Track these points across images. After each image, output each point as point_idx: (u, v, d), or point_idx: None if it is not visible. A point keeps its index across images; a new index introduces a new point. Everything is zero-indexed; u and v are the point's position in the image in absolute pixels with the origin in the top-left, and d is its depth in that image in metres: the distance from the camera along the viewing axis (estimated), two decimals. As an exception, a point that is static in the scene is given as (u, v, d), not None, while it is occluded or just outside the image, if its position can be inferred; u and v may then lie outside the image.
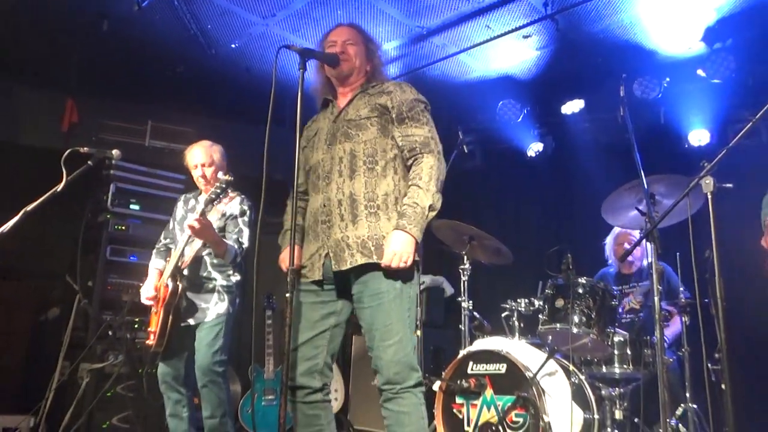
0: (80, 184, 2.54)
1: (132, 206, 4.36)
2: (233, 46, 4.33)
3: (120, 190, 4.33)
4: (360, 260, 2.07)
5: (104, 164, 4.23)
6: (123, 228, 4.29)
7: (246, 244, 3.16)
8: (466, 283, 3.64)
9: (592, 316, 3.16)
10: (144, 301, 3.12)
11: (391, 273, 2.06)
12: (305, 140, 2.37)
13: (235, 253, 3.08)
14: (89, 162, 2.54)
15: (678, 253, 3.30)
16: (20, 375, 4.42)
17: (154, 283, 3.16)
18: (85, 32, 4.06)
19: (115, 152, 2.67)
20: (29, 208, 2.34)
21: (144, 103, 4.91)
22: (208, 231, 2.93)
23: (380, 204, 2.12)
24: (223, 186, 2.85)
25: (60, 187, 2.41)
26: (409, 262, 2.02)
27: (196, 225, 2.84)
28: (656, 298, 2.66)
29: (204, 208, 2.88)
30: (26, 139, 4.60)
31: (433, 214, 2.11)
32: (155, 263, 3.26)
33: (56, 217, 4.24)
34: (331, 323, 2.17)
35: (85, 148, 2.56)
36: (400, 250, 2.01)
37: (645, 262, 3.84)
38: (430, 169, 2.12)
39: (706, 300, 2.98)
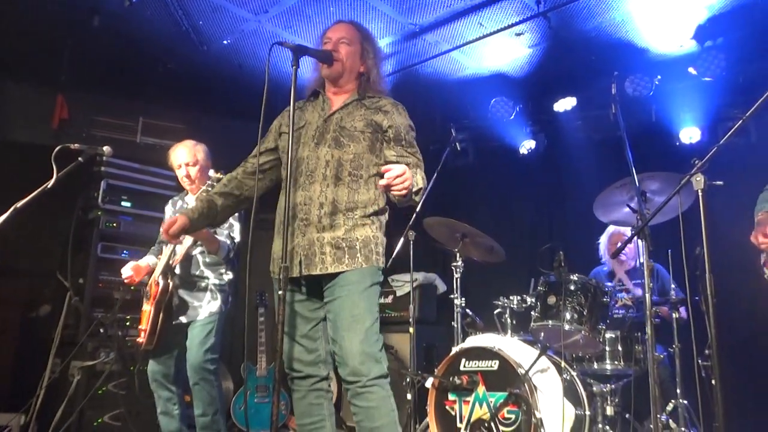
0: (71, 181, 2.52)
1: (123, 203, 4.33)
2: (225, 42, 4.31)
3: (111, 187, 4.30)
4: (330, 269, 2.10)
5: (95, 161, 4.20)
6: (114, 225, 4.26)
7: (238, 239, 3.15)
8: (458, 280, 3.64)
9: (584, 312, 3.17)
10: (123, 273, 3.08)
11: (361, 271, 2.11)
12: (286, 127, 2.30)
13: (228, 249, 3.08)
14: (80, 158, 2.53)
15: (669, 251, 3.32)
16: (10, 373, 4.39)
17: (139, 264, 3.13)
18: (76, 28, 4.02)
19: (106, 149, 2.66)
20: (19, 204, 2.33)
21: (135, 100, 4.87)
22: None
23: (358, 213, 2.17)
24: (214, 184, 2.84)
25: (50, 183, 2.39)
26: (401, 192, 1.97)
27: None
28: (647, 295, 2.67)
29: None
30: (16, 135, 4.55)
31: (416, 200, 2.11)
32: (147, 259, 3.25)
33: (47, 213, 4.20)
34: (321, 315, 2.20)
35: (76, 145, 2.54)
36: (407, 174, 1.95)
37: (637, 262, 3.86)
38: (421, 177, 2.14)
39: (697, 297, 3.00)
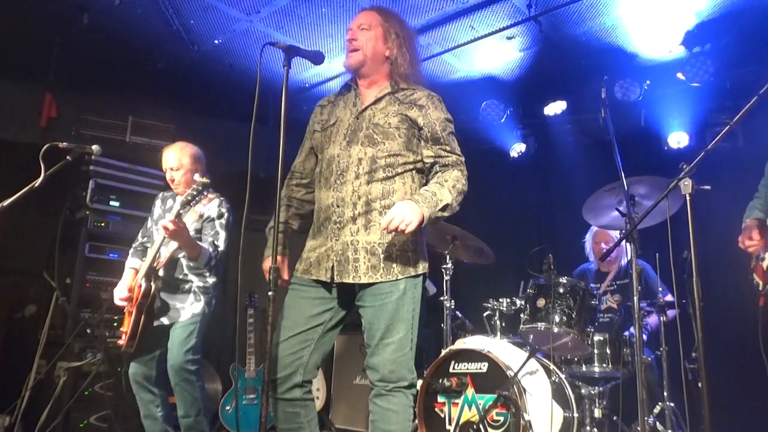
0: (59, 180, 2.50)
1: (112, 203, 4.28)
2: (216, 42, 4.29)
3: (100, 186, 4.25)
4: (363, 278, 2.03)
5: (84, 160, 4.16)
6: (102, 225, 4.22)
7: (221, 247, 3.12)
8: (448, 282, 3.65)
9: (573, 315, 3.19)
10: (117, 302, 3.08)
11: (400, 281, 2.04)
12: (318, 123, 2.27)
13: (209, 257, 3.04)
14: (68, 157, 2.51)
15: (657, 254, 3.35)
16: (-4, 372, 4.32)
17: (128, 283, 3.12)
18: (65, 26, 3.99)
19: (95, 147, 2.64)
20: (6, 203, 2.30)
21: (125, 99, 4.83)
22: (182, 233, 2.89)
23: None
24: (199, 188, 2.81)
25: (38, 182, 2.37)
26: (409, 229, 1.92)
27: (171, 226, 2.80)
28: (635, 297, 2.69)
29: (179, 209, 2.84)
30: (3, 134, 4.50)
31: (445, 214, 2.04)
32: (131, 262, 3.22)
33: (34, 213, 4.16)
34: (325, 319, 2.11)
35: (64, 143, 2.52)
36: (403, 212, 1.91)
37: (624, 261, 3.88)
38: (455, 179, 2.09)
39: (684, 300, 3.03)
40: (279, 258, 2.16)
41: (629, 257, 2.78)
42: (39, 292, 4.38)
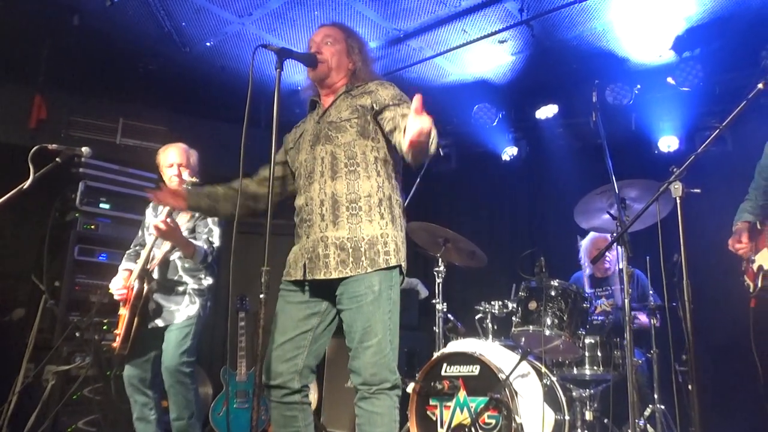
0: (48, 182, 2.48)
1: (102, 205, 4.25)
2: (208, 44, 4.28)
3: (89, 189, 4.22)
4: (333, 273, 2.05)
5: (73, 162, 4.11)
6: (92, 227, 4.18)
7: (217, 243, 3.12)
8: (440, 285, 3.64)
9: (564, 318, 3.19)
10: (114, 292, 3.04)
11: (372, 277, 2.04)
12: (292, 142, 2.35)
13: (205, 253, 3.04)
14: (57, 159, 2.49)
15: (648, 257, 3.37)
16: (-18, 377, 4.27)
17: (123, 279, 3.09)
18: (55, 27, 3.96)
19: (84, 149, 2.61)
20: (-7, 205, 2.28)
21: (115, 101, 4.80)
22: (174, 233, 2.89)
23: (362, 206, 2.09)
24: (189, 188, 2.81)
25: (27, 184, 2.35)
26: (431, 141, 1.84)
27: (162, 227, 2.79)
28: (626, 301, 2.70)
29: (169, 209, 2.83)
30: (-9, 135, 4.46)
31: (432, 149, 1.92)
32: (125, 265, 3.20)
33: (22, 215, 4.13)
34: (314, 324, 2.14)
35: (54, 145, 2.50)
36: (419, 119, 1.76)
37: (617, 267, 3.90)
38: None
39: (675, 303, 3.05)
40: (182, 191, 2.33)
41: (620, 261, 2.80)
42: (27, 295, 4.33)
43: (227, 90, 4.59)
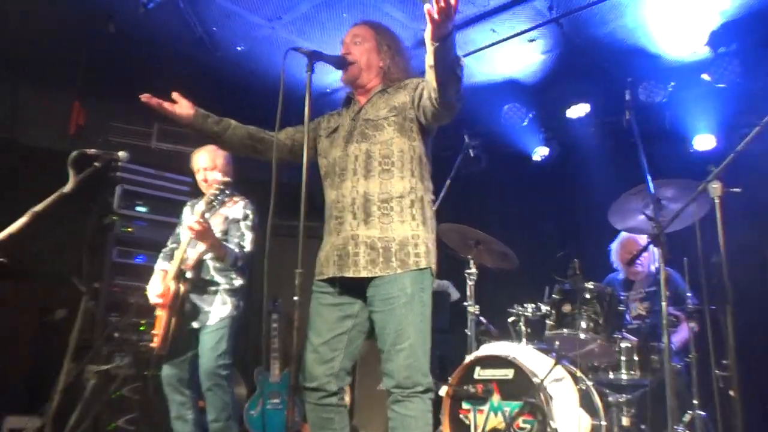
0: (87, 186, 2.53)
1: (138, 208, 4.34)
2: (239, 48, 4.32)
3: (127, 192, 4.32)
4: (363, 272, 2.04)
5: (111, 166, 4.18)
6: (129, 230, 4.28)
7: (248, 248, 3.13)
8: (472, 287, 3.61)
9: (600, 321, 3.13)
10: (153, 299, 3.09)
11: (404, 278, 2.03)
12: (324, 130, 2.33)
13: (236, 257, 3.06)
14: (96, 163, 2.53)
15: (685, 259, 3.28)
16: (27, 376, 4.40)
17: (160, 283, 3.14)
18: (92, 34, 4.05)
19: (122, 154, 2.66)
20: (36, 208, 2.33)
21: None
22: (208, 234, 2.92)
23: (394, 206, 2.08)
24: (221, 188, 2.86)
25: (67, 188, 2.40)
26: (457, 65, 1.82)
27: (196, 227, 2.83)
28: (663, 304, 2.63)
29: (204, 209, 2.88)
30: (33, 141, 4.59)
31: (459, 70, 1.90)
32: (161, 265, 3.25)
33: (63, 218, 4.21)
34: (349, 326, 2.14)
35: (93, 150, 2.55)
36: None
37: (652, 268, 3.81)
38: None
39: (714, 306, 2.96)
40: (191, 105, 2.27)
41: (657, 263, 2.72)
42: (68, 296, 4.44)
43: (258, 93, 4.63)
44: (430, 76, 1.91)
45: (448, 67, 1.88)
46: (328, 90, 4.70)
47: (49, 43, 4.22)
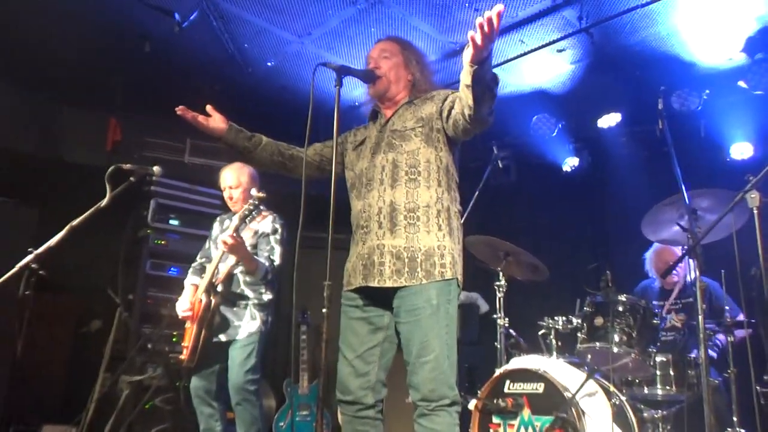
0: (122, 200, 2.60)
1: (171, 221, 4.45)
2: (269, 64, 4.41)
3: (160, 206, 4.43)
4: (388, 282, 2.04)
5: (146, 180, 4.34)
6: (163, 242, 4.38)
7: (278, 262, 3.17)
8: (501, 299, 3.58)
9: (633, 335, 3.06)
10: (180, 313, 3.15)
11: (430, 289, 2.03)
12: (351, 144, 2.37)
13: (266, 270, 3.10)
14: (131, 178, 2.61)
15: (723, 271, 3.19)
16: (63, 386, 4.52)
17: (189, 297, 3.20)
18: (129, 54, 4.19)
19: (156, 168, 2.74)
20: (75, 223, 2.41)
21: (183, 122, 4.99)
22: (241, 248, 2.97)
23: (420, 215, 2.08)
24: (256, 203, 2.91)
25: (104, 202, 2.47)
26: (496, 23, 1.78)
27: (230, 241, 2.88)
28: (700, 317, 2.57)
29: (237, 224, 2.93)
30: (72, 157, 4.76)
31: (495, 88, 1.94)
32: (191, 279, 3.31)
33: (98, 231, 4.34)
34: (380, 338, 2.14)
35: (128, 165, 2.62)
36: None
37: (689, 278, 3.72)
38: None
39: (754, 319, 2.87)
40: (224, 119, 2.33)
41: (693, 274, 2.66)
42: (103, 308, 4.56)
43: (288, 108, 4.70)
44: (466, 94, 1.93)
45: (486, 86, 1.91)
46: (356, 103, 4.74)
47: (88, 63, 4.38)
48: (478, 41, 1.77)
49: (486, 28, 1.75)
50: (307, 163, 2.29)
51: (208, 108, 2.35)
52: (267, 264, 3.11)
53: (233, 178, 3.29)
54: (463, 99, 1.98)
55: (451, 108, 2.09)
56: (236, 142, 2.37)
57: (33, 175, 4.49)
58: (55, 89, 4.68)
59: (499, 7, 1.75)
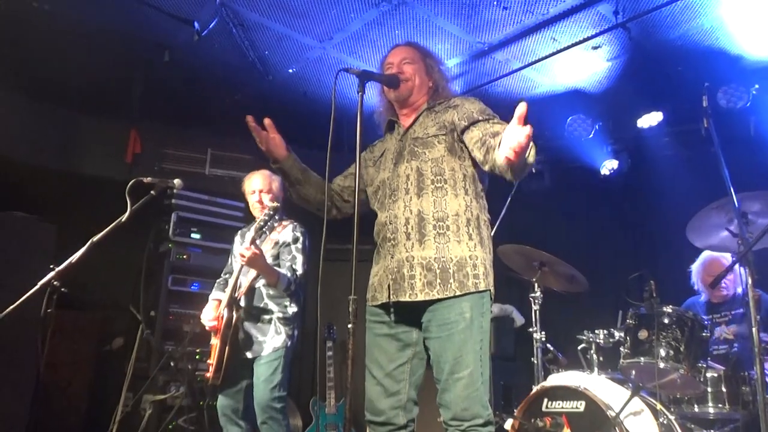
0: (143, 214, 2.66)
1: (193, 235, 4.52)
2: (290, 71, 4.47)
3: (181, 219, 4.51)
4: (420, 295, 2.04)
5: (166, 194, 4.42)
6: (184, 257, 4.46)
7: (300, 271, 3.19)
8: (537, 312, 3.55)
9: (681, 348, 2.99)
10: (206, 323, 3.18)
11: (462, 302, 2.02)
12: (370, 161, 2.40)
13: (288, 281, 3.12)
14: (152, 192, 2.66)
15: (777, 279, 3.10)
16: (85, 405, 4.61)
17: (213, 312, 3.24)
18: (148, 64, 4.30)
19: (177, 181, 2.79)
20: (95, 238, 2.48)
21: (204, 132, 5.12)
22: (259, 260, 2.99)
23: (450, 224, 2.08)
24: (270, 213, 2.95)
25: (125, 217, 2.53)
26: (528, 153, 1.79)
27: (246, 253, 2.91)
28: (754, 329, 2.50)
29: (254, 236, 2.96)
30: (91, 170, 4.87)
31: (531, 159, 1.88)
32: (214, 294, 3.36)
33: (119, 246, 4.45)
34: (409, 355, 2.14)
35: (149, 178, 2.68)
36: (517, 130, 1.73)
37: (739, 289, 3.62)
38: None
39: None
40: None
41: (745, 283, 2.59)
42: (125, 325, 4.65)
43: (310, 115, 4.75)
44: (503, 169, 1.89)
45: (525, 169, 1.90)
46: (380, 109, 4.77)
47: (106, 74, 4.50)
48: (513, 159, 1.75)
49: (516, 147, 1.73)
50: (330, 196, 2.33)
51: (267, 122, 2.33)
52: (289, 275, 3.14)
53: (265, 182, 3.33)
54: (495, 159, 1.92)
55: (479, 148, 2.04)
56: (291, 171, 2.37)
57: (51, 190, 4.61)
58: (73, 101, 4.81)
59: (522, 109, 1.74)
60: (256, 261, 2.98)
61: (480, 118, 2.12)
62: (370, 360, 2.16)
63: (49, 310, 2.37)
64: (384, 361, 2.13)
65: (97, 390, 4.58)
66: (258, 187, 3.32)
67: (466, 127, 2.13)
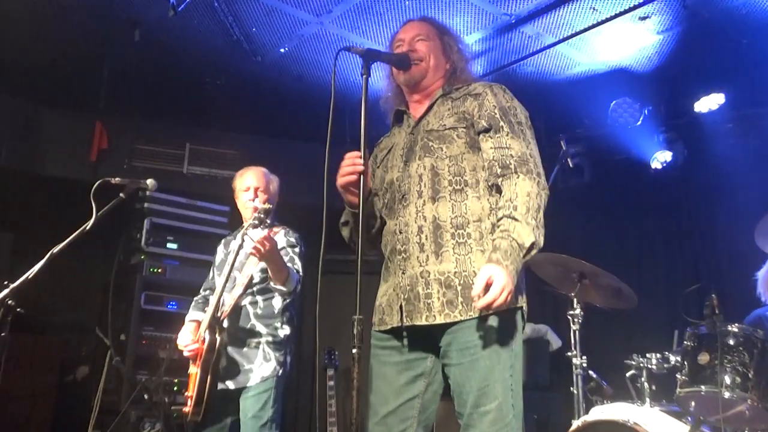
0: (111, 220, 2.67)
1: (169, 245, 4.54)
2: (282, 50, 4.50)
3: (155, 226, 4.53)
4: (438, 318, 2.02)
5: (138, 196, 4.45)
6: (159, 271, 4.48)
7: (301, 273, 3.22)
8: (577, 332, 3.55)
9: (749, 375, 2.98)
10: (182, 348, 3.19)
11: (488, 322, 2.01)
12: (378, 160, 2.39)
13: (297, 281, 3.14)
14: (121, 194, 2.68)
15: None
16: (46, 445, 4.63)
17: (191, 332, 3.25)
18: (115, 43, 4.34)
19: (149, 182, 2.81)
20: (55, 250, 2.49)
21: (181, 124, 5.16)
22: (274, 252, 2.99)
23: (471, 232, 2.07)
24: (261, 216, 3.00)
25: (89, 224, 2.54)
26: (509, 301, 1.87)
27: (266, 244, 2.89)
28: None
29: (261, 228, 3.01)
30: (50, 170, 4.91)
31: (534, 253, 1.98)
32: (192, 315, 3.36)
33: (85, 259, 4.49)
34: (421, 388, 2.12)
35: (117, 179, 2.70)
36: (498, 283, 1.83)
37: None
38: (526, 196, 2.01)
39: None
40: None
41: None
42: (91, 351, 4.68)
43: (306, 103, 4.79)
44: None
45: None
46: (388, 94, 4.79)
47: (67, 56, 4.54)
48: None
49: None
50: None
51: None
52: (296, 273, 3.16)
53: (262, 180, 3.36)
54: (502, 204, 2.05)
55: (499, 178, 2.08)
56: (367, 202, 2.20)
57: (6, 193, 4.63)
58: (27, 90, 4.85)
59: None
60: (271, 254, 2.97)
61: (501, 124, 2.12)
62: (373, 393, 2.15)
63: (2, 334, 2.39)
64: (390, 394, 2.11)
65: (59, 427, 4.61)
66: (254, 184, 3.34)
67: (484, 131, 2.14)
